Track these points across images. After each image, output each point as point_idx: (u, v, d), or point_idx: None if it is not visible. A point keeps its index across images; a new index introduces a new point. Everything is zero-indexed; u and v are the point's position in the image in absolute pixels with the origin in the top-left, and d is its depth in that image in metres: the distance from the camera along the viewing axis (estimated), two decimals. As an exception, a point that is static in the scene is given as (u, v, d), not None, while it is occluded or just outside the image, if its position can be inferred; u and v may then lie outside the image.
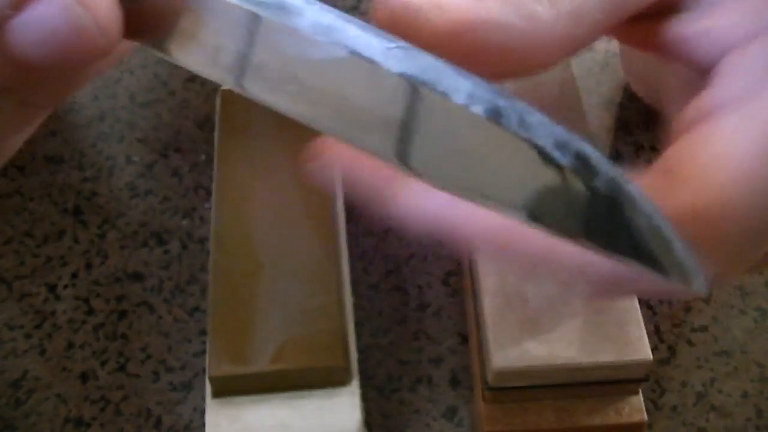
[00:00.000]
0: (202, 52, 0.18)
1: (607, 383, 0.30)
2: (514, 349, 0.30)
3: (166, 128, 0.43)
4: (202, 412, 0.32)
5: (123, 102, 0.44)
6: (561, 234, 0.16)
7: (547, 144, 0.16)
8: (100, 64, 0.21)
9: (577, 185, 0.16)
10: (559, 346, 0.30)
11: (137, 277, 0.38)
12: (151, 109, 0.44)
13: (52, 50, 0.16)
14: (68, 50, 0.16)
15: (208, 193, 0.40)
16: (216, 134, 0.38)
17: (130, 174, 0.42)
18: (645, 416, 0.31)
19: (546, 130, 0.16)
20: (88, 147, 0.43)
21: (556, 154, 0.16)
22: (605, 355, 0.30)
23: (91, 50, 0.16)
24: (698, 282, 0.17)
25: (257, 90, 0.18)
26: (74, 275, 0.38)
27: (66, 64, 0.16)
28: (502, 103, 0.16)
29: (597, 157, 0.16)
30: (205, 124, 0.43)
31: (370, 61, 0.17)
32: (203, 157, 0.42)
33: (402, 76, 0.16)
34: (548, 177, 0.16)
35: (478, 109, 0.16)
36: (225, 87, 0.32)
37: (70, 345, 0.36)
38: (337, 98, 0.17)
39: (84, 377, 0.36)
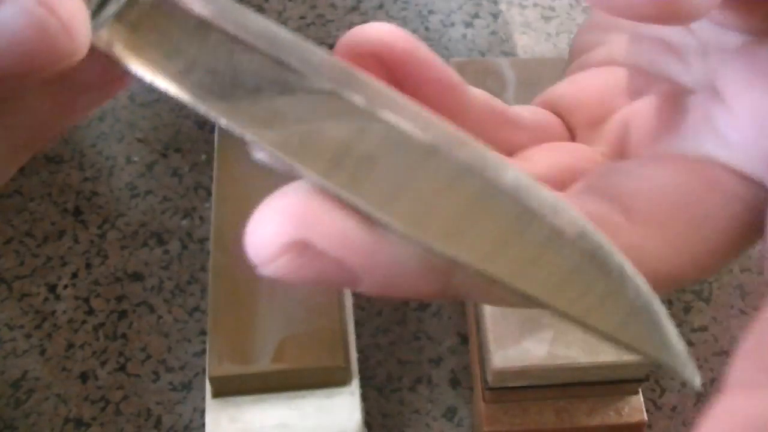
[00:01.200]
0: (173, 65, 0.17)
1: (607, 383, 0.30)
2: (514, 349, 0.30)
3: (166, 128, 0.43)
4: (202, 412, 0.32)
5: (123, 102, 0.44)
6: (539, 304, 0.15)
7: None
8: (85, 101, 0.20)
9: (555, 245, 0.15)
10: (559, 346, 0.30)
11: (137, 277, 0.38)
12: (151, 109, 0.44)
13: (14, 55, 0.16)
14: (33, 55, 0.16)
15: (208, 193, 0.40)
16: (216, 134, 0.38)
17: (130, 174, 0.42)
18: (645, 416, 0.31)
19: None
20: (88, 147, 0.43)
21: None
22: (605, 355, 0.30)
23: (57, 54, 0.16)
24: (688, 370, 0.16)
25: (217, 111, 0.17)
26: (74, 275, 0.38)
27: (32, 70, 0.16)
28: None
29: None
30: (205, 124, 0.43)
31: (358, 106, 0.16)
32: (203, 157, 0.42)
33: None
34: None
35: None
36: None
37: (70, 345, 0.36)
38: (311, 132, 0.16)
39: (84, 377, 0.36)
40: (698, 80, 0.20)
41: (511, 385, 0.30)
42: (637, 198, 0.17)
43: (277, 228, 0.15)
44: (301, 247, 0.15)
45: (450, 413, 0.35)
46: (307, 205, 0.15)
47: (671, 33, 0.21)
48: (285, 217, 0.15)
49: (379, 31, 0.17)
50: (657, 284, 0.17)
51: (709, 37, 0.20)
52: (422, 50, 0.18)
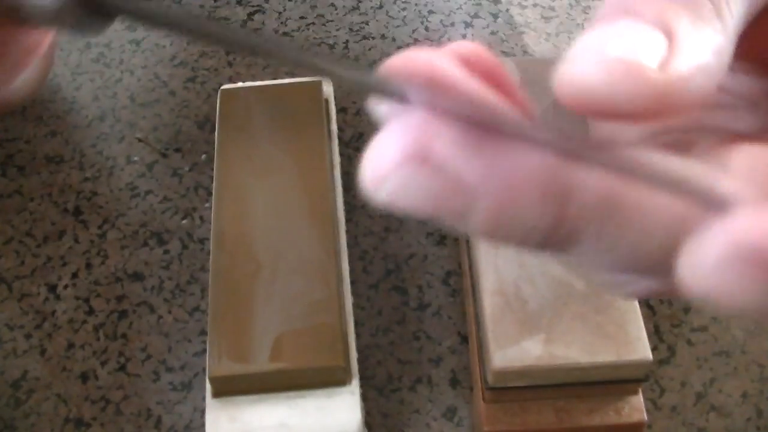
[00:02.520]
0: None
1: (607, 383, 0.30)
2: (514, 349, 0.30)
3: (166, 128, 0.43)
4: (202, 412, 0.32)
5: (123, 102, 0.44)
6: None
7: None
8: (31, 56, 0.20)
9: None
10: (559, 346, 0.30)
11: (137, 277, 0.38)
12: (151, 109, 0.44)
13: None
14: None
15: (208, 193, 0.41)
16: (216, 134, 0.38)
17: (130, 174, 0.42)
18: (645, 416, 0.31)
19: None
20: (88, 147, 0.43)
21: None
22: (605, 355, 0.30)
23: None
24: None
25: None
26: (74, 275, 0.38)
27: None
28: None
29: None
30: (205, 124, 0.43)
31: None
32: (203, 157, 0.42)
33: None
34: None
35: None
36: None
37: (70, 345, 0.37)
38: None
39: (84, 377, 0.36)
40: (752, 127, 0.20)
41: (511, 385, 0.30)
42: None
43: (398, 140, 0.15)
44: (422, 158, 0.15)
45: (450, 413, 0.35)
46: (428, 120, 0.15)
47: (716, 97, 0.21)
48: (406, 130, 0.15)
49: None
50: None
51: (751, 87, 0.20)
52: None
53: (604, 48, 0.16)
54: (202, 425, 0.31)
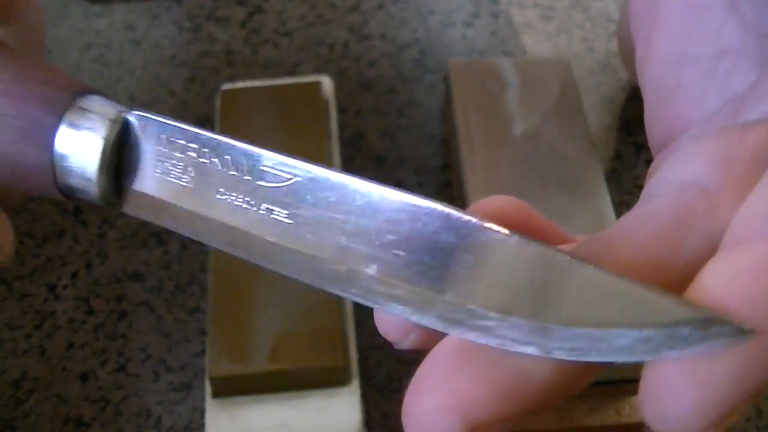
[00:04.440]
0: None
1: (608, 383, 0.30)
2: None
3: (166, 128, 0.43)
4: (202, 412, 0.32)
5: (123, 102, 0.44)
6: None
7: None
8: None
9: None
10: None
11: (137, 277, 0.38)
12: (151, 109, 0.44)
13: None
14: None
15: (208, 193, 0.40)
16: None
17: (130, 174, 0.42)
18: (645, 416, 0.31)
19: None
20: (88, 147, 0.43)
21: None
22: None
23: None
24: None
25: None
26: (74, 275, 0.38)
27: None
28: None
29: None
30: (205, 124, 0.43)
31: None
32: (203, 157, 0.42)
33: None
34: None
35: None
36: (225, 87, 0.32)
37: (70, 345, 0.37)
38: None
39: (84, 377, 0.36)
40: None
41: (511, 385, 0.30)
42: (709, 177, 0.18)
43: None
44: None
45: (450, 413, 0.35)
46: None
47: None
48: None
49: (493, 206, 0.19)
50: None
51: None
52: (535, 218, 0.20)
53: None
54: (202, 425, 0.31)
